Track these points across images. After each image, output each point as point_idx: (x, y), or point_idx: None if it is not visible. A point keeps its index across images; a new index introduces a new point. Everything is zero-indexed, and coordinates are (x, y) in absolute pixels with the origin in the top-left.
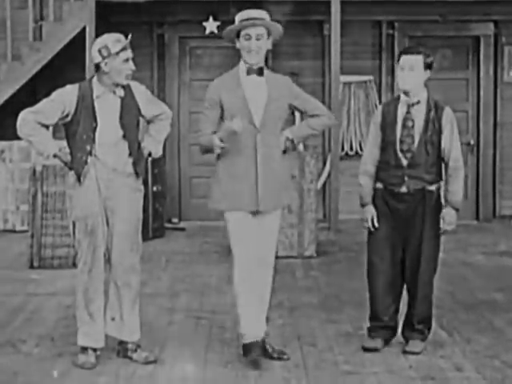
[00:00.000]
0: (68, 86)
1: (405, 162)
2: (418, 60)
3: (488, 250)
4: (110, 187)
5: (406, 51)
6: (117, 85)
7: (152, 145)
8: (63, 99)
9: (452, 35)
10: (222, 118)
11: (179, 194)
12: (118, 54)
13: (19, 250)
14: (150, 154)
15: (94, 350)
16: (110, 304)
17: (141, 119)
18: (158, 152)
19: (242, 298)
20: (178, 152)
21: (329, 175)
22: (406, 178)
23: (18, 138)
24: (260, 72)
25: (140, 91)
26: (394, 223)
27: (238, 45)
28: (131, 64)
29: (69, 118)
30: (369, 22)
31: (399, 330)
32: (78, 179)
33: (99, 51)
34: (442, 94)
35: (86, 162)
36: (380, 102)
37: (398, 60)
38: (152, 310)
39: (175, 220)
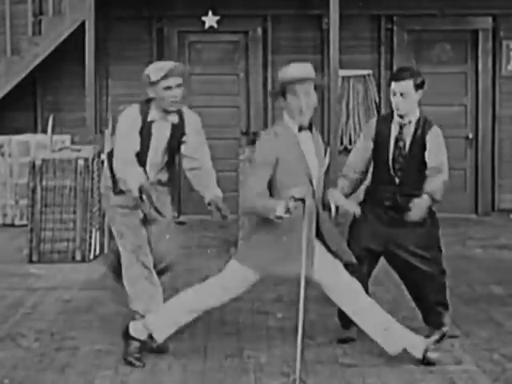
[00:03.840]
0: (130, 109)
1: (397, 180)
2: (408, 85)
3: (487, 243)
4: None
5: (395, 77)
6: (166, 111)
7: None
8: (133, 126)
9: (451, 29)
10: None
11: (179, 188)
12: (158, 82)
13: (18, 244)
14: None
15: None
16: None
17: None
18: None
19: None
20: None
21: (328, 169)
22: (397, 196)
23: (17, 133)
24: (310, 127)
25: (191, 118)
26: (377, 233)
27: (282, 102)
28: (174, 92)
29: None
30: (368, 16)
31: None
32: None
33: (144, 78)
34: (441, 88)
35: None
36: (379, 96)
37: (389, 84)
38: None
39: (175, 214)
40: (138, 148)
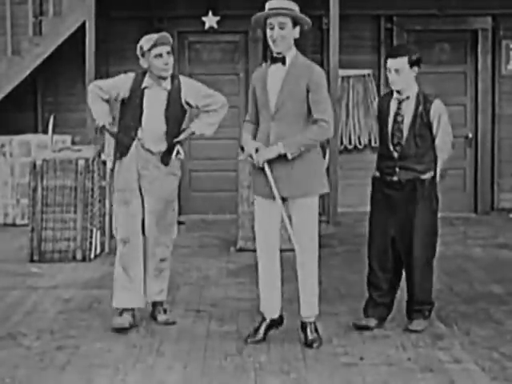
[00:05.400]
0: (128, 74)
1: (396, 154)
2: (402, 62)
3: (486, 242)
4: (146, 168)
5: (390, 54)
6: (160, 78)
7: (196, 125)
8: (120, 84)
9: (450, 29)
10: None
11: (179, 187)
12: (149, 51)
13: (19, 243)
14: (193, 133)
15: (132, 310)
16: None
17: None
18: (201, 131)
19: (261, 282)
20: None
21: (328, 169)
22: (397, 169)
23: (18, 133)
24: (283, 61)
25: (186, 84)
26: (388, 210)
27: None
28: (164, 59)
29: (121, 100)
30: (367, 16)
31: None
32: (121, 157)
33: (138, 51)
34: (440, 88)
35: (129, 146)
36: (379, 95)
37: (385, 62)
38: None
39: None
40: (106, 95)
